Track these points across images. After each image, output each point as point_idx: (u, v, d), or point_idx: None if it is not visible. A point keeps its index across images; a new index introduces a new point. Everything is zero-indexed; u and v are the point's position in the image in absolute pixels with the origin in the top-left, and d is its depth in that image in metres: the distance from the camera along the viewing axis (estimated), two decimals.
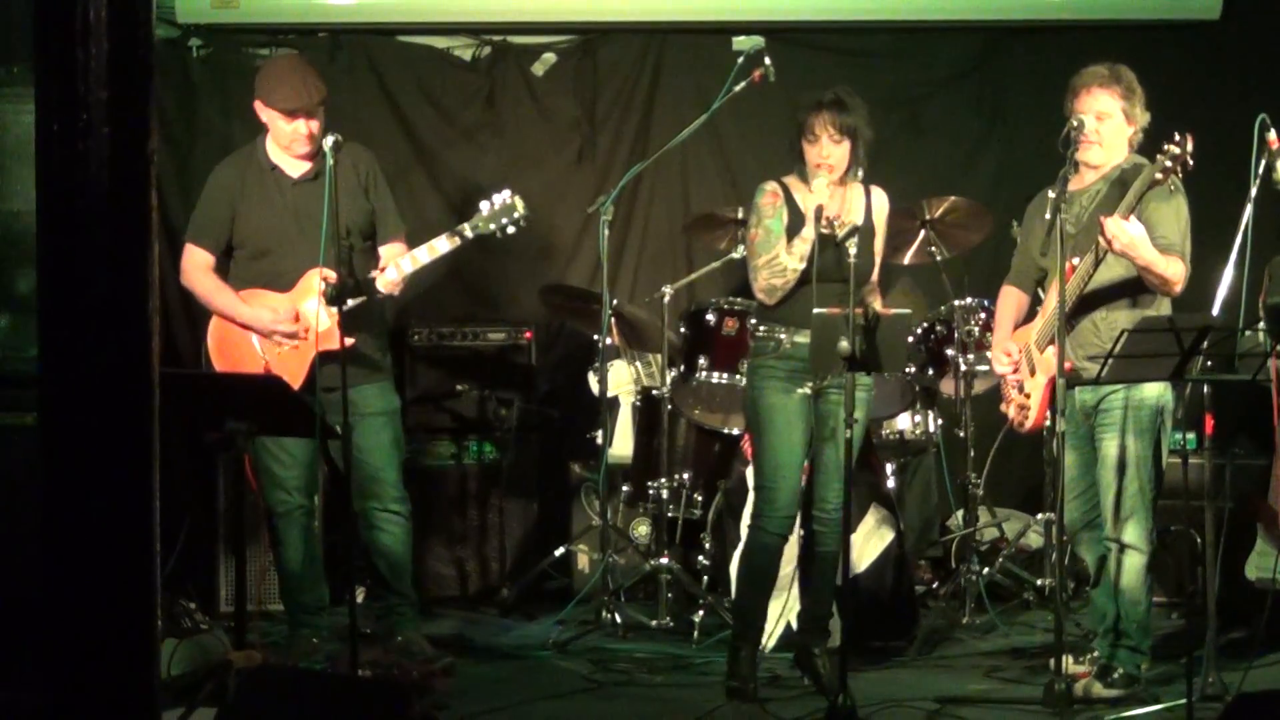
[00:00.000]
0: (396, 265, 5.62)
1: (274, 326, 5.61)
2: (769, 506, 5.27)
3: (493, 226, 5.63)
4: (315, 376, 5.44)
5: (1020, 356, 5.49)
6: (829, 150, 5.23)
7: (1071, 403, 5.34)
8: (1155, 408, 5.26)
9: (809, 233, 5.16)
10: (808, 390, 5.22)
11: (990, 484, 6.79)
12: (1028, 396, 5.45)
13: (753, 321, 5.44)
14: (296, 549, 5.70)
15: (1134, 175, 5.17)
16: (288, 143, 5.66)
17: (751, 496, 5.43)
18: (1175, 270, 5.18)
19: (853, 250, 5.06)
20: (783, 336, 5.27)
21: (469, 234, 5.62)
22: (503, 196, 5.65)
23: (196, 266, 5.75)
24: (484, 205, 5.65)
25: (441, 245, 5.62)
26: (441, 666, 5.55)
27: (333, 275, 5.37)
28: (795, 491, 5.27)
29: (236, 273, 5.76)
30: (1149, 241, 5.10)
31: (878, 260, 5.46)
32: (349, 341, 5.43)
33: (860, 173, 5.34)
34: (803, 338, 5.18)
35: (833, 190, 5.26)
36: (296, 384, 5.47)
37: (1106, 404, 5.29)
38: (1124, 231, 5.05)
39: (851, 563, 5.21)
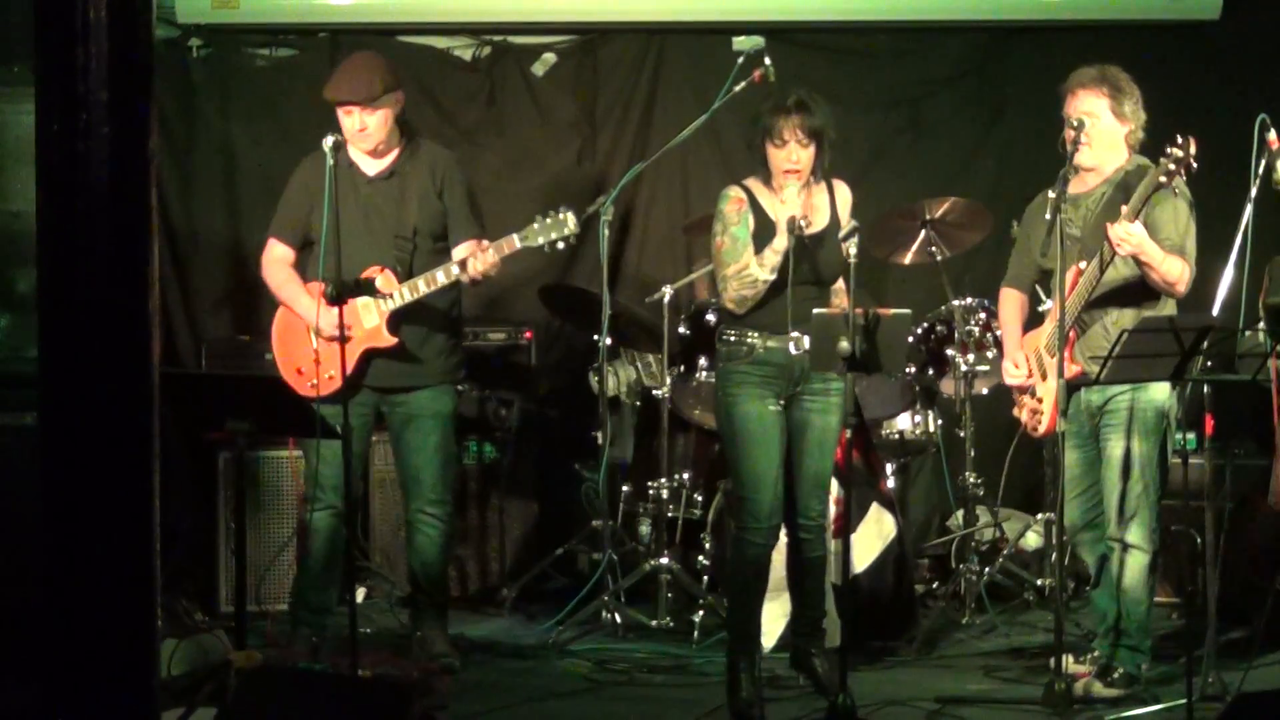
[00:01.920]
0: (446, 270, 5.63)
1: (318, 325, 5.62)
2: (752, 519, 5.17)
3: (541, 240, 5.63)
4: (361, 371, 5.62)
5: (1030, 363, 5.48)
6: (798, 154, 5.11)
7: (1077, 403, 5.34)
8: (1161, 410, 5.25)
9: (780, 244, 5.05)
10: (780, 406, 5.17)
11: (991, 484, 6.79)
12: (1040, 401, 5.44)
13: (721, 326, 5.33)
14: (321, 547, 5.72)
15: (1138, 177, 5.16)
16: (347, 136, 5.68)
17: None
18: (1175, 268, 5.17)
19: (853, 250, 5.03)
20: (754, 342, 5.16)
21: (517, 244, 5.63)
22: (559, 212, 5.64)
23: (274, 260, 5.83)
24: (537, 219, 5.64)
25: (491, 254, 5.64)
26: (442, 667, 5.56)
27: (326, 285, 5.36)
28: (777, 499, 5.18)
29: (310, 266, 5.77)
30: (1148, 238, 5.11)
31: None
32: (392, 340, 5.60)
33: (821, 173, 5.21)
34: (775, 343, 5.12)
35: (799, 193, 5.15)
36: (340, 376, 5.48)
37: (1112, 405, 5.28)
38: (1131, 235, 5.04)
39: (851, 562, 5.19)
